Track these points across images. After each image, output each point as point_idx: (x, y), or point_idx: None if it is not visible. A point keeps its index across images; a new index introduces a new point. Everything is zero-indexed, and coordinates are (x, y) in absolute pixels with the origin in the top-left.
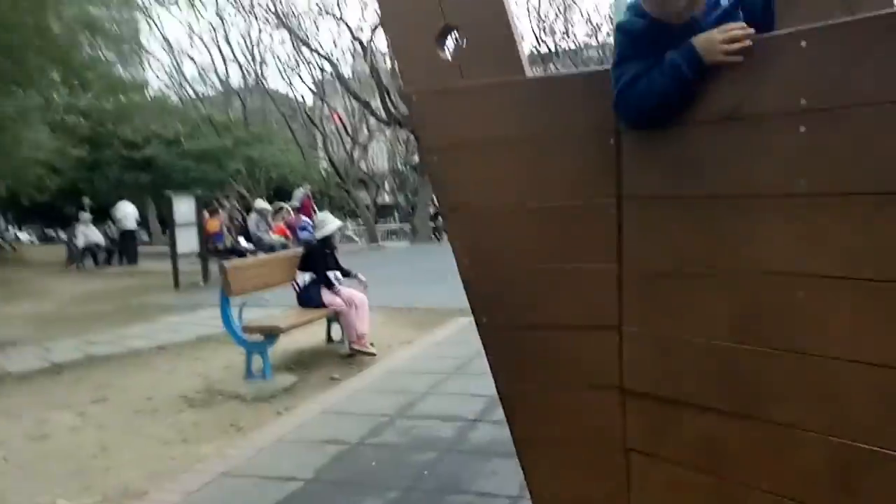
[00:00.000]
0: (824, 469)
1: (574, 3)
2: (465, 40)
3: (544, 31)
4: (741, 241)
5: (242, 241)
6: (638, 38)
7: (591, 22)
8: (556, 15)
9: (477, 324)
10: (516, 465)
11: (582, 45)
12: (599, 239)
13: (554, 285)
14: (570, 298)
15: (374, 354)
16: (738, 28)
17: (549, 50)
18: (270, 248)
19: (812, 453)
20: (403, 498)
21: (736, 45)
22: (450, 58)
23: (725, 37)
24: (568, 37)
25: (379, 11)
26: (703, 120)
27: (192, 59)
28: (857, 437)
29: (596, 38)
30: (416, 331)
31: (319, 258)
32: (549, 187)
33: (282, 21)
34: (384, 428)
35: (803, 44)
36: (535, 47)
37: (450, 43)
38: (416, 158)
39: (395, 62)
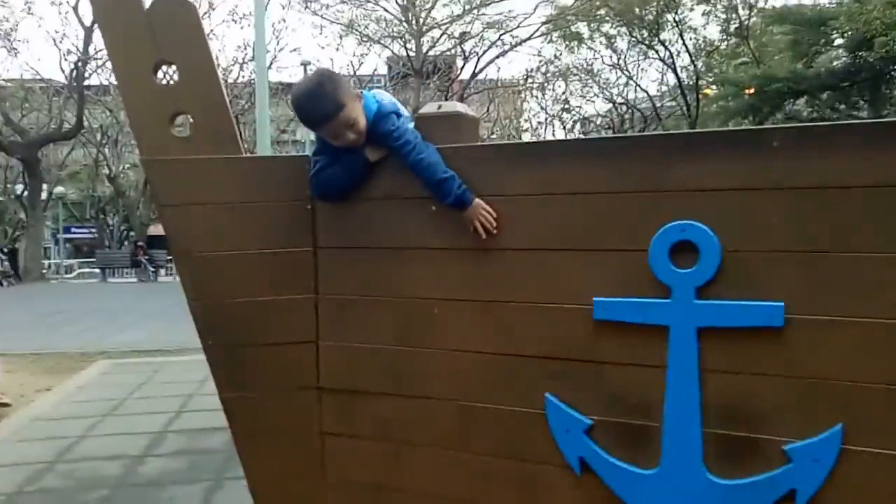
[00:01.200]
0: (452, 420)
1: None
2: (193, 122)
3: None
4: (398, 277)
5: None
6: (326, 141)
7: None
8: None
9: (203, 345)
10: (193, 490)
11: None
12: (301, 277)
13: (267, 312)
14: (280, 321)
15: (8, 405)
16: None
17: None
18: None
19: (446, 414)
20: None
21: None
22: (178, 135)
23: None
24: None
25: (119, 90)
26: (370, 197)
27: None
28: (470, 398)
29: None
30: (51, 377)
31: None
32: (264, 239)
33: None
34: (42, 475)
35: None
36: None
37: (180, 121)
38: (19, 188)
39: (132, 131)
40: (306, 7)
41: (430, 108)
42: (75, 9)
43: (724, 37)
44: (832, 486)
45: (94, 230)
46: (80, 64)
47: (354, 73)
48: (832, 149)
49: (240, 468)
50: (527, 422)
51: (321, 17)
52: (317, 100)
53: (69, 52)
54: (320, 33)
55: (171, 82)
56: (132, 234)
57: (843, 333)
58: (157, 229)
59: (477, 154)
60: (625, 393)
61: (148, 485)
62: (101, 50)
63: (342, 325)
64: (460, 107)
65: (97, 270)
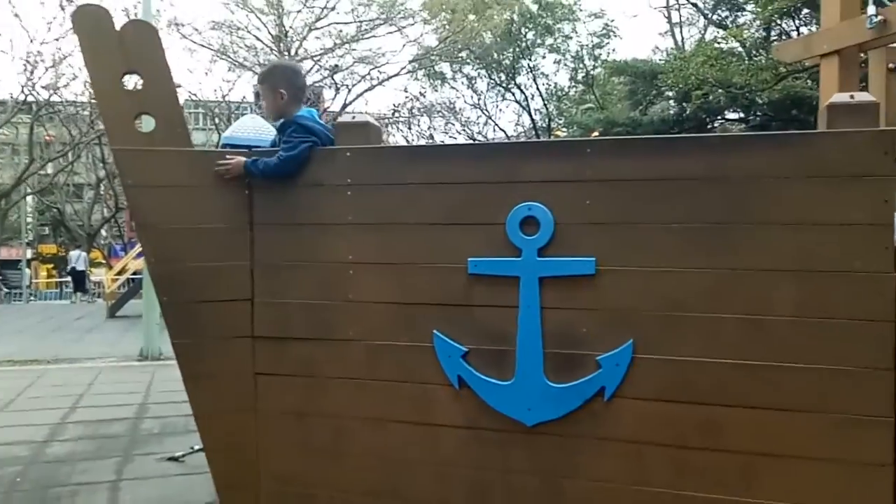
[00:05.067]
0: (363, 356)
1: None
2: (154, 121)
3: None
4: (321, 247)
5: None
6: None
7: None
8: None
9: (160, 301)
10: (105, 465)
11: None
12: (240, 248)
13: (212, 275)
14: (223, 282)
15: None
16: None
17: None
18: None
19: (358, 351)
20: (6, 499)
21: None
22: (143, 130)
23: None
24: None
25: (94, 93)
26: (299, 183)
27: None
28: (377, 337)
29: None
30: None
31: None
32: (211, 215)
33: None
34: None
35: (348, 154)
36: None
37: (143, 120)
38: None
39: (105, 127)
40: (176, 30)
41: (346, 117)
42: None
43: (573, 84)
44: (627, 381)
45: None
46: None
47: (224, 98)
48: (625, 155)
49: (146, 446)
50: (419, 353)
51: (191, 41)
52: (272, 68)
53: None
54: (191, 56)
55: (137, 88)
56: None
57: (633, 278)
58: (9, 252)
59: (381, 154)
60: (490, 327)
61: (59, 461)
62: None
63: (272, 286)
64: (369, 118)
65: None
